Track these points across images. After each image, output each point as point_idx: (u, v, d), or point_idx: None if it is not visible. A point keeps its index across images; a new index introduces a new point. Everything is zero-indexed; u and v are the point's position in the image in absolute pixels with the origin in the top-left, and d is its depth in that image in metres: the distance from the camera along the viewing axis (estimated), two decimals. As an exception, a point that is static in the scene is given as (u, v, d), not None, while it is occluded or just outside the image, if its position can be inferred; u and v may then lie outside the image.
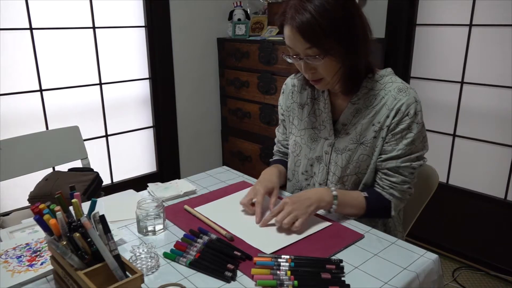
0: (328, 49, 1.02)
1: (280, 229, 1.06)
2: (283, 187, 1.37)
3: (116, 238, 0.97)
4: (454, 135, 2.28)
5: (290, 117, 1.33)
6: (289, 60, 1.11)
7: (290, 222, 1.02)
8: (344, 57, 1.05)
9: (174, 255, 0.93)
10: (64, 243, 0.77)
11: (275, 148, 1.46)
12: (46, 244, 0.98)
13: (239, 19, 2.62)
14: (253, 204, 1.14)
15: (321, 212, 1.15)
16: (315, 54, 1.03)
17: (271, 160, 1.46)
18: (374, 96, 1.14)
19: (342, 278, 0.86)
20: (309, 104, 1.26)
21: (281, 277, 0.85)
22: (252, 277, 0.86)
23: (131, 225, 1.10)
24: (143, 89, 2.57)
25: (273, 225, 1.08)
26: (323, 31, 0.99)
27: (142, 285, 0.82)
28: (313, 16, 0.98)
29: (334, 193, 1.09)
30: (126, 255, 0.91)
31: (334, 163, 1.19)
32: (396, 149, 1.11)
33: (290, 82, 1.34)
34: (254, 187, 1.18)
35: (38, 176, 1.79)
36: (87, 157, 1.88)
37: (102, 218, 0.79)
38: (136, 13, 2.44)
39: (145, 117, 2.62)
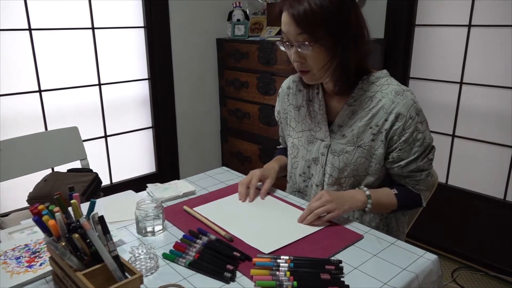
0: (318, 38, 1.04)
1: (279, 229, 1.06)
2: (281, 183, 1.37)
3: (115, 239, 0.97)
4: (453, 136, 2.28)
5: (287, 119, 1.33)
6: (282, 48, 1.14)
7: (319, 213, 1.06)
8: (334, 51, 1.07)
9: (173, 256, 0.93)
10: (63, 244, 0.77)
11: (280, 139, 1.51)
12: (45, 245, 0.98)
13: (238, 20, 2.62)
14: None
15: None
16: (304, 40, 1.05)
17: (278, 147, 1.53)
18: (370, 98, 1.14)
19: (342, 279, 0.86)
20: (304, 106, 1.27)
21: (280, 278, 0.85)
22: (251, 277, 0.86)
23: (130, 226, 1.10)
24: (143, 89, 2.57)
25: (272, 225, 1.08)
26: (316, 20, 1.02)
27: (141, 286, 0.82)
28: (309, 5, 1.02)
29: (367, 193, 1.12)
30: (125, 256, 0.91)
31: (331, 164, 1.19)
32: (412, 152, 1.13)
33: (286, 84, 1.35)
34: (252, 171, 1.27)
35: (37, 176, 1.78)
36: (86, 158, 1.88)
37: (101, 219, 0.79)
38: (135, 14, 2.44)
39: (144, 118, 2.62)
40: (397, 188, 1.18)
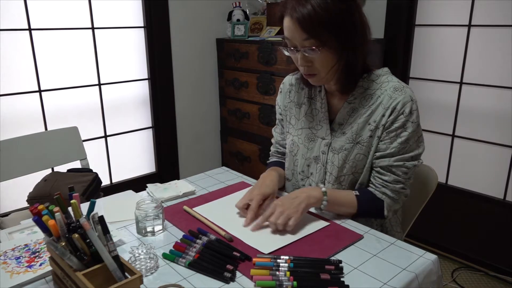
0: (325, 42, 1.03)
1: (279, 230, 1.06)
2: (281, 188, 1.37)
3: (115, 239, 0.97)
4: (453, 136, 2.28)
5: (288, 116, 1.33)
6: (286, 53, 1.12)
7: (283, 222, 1.03)
8: (341, 53, 1.06)
9: (173, 256, 0.93)
10: (63, 244, 0.77)
11: (273, 148, 1.44)
12: (45, 245, 0.98)
13: (238, 20, 2.62)
14: (247, 208, 1.13)
15: (314, 210, 1.15)
16: (312, 45, 1.04)
17: (268, 162, 1.44)
18: (370, 96, 1.14)
19: (341, 279, 0.86)
20: (306, 104, 1.27)
21: (280, 278, 0.85)
22: (251, 277, 0.86)
23: (130, 226, 1.10)
24: (142, 89, 2.57)
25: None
26: (322, 23, 1.01)
27: (141, 286, 0.82)
28: (313, 8, 1.00)
29: (323, 189, 1.10)
30: (125, 256, 0.91)
31: (331, 163, 1.19)
32: (390, 147, 1.11)
33: (288, 81, 1.34)
34: (252, 191, 1.16)
35: (37, 176, 1.78)
36: (86, 158, 1.88)
37: (101, 219, 0.79)
38: (135, 14, 2.43)
39: (144, 118, 2.62)
40: (359, 190, 1.16)
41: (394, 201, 1.15)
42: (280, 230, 1.05)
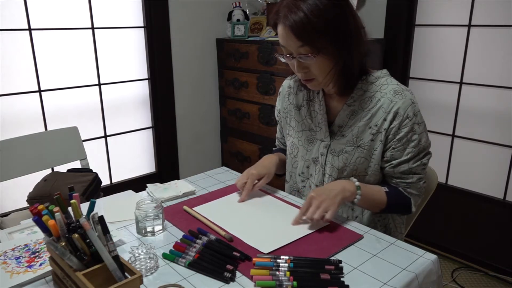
0: (321, 48, 1.02)
1: (279, 229, 1.06)
2: (281, 183, 1.37)
3: (115, 239, 0.97)
4: (453, 136, 2.28)
5: (287, 118, 1.33)
6: (282, 60, 1.12)
7: (320, 217, 1.02)
8: (337, 57, 1.06)
9: (173, 256, 0.93)
10: (63, 244, 0.77)
11: (276, 142, 1.49)
12: (45, 245, 0.98)
13: (238, 20, 2.62)
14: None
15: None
16: (307, 52, 1.03)
17: (274, 149, 1.49)
18: (369, 98, 1.14)
19: (341, 279, 0.86)
20: (305, 106, 1.27)
21: (280, 278, 0.85)
22: (251, 277, 0.86)
23: (130, 226, 1.10)
24: (142, 89, 2.57)
25: (272, 225, 1.08)
26: (316, 30, 1.00)
27: (141, 286, 0.82)
28: (306, 15, 0.99)
29: (357, 183, 1.10)
30: (125, 256, 0.91)
31: (330, 165, 1.19)
32: (405, 153, 1.12)
33: (287, 84, 1.34)
34: (249, 170, 1.23)
35: (37, 176, 1.79)
36: (86, 158, 1.88)
37: (101, 219, 0.79)
38: (135, 14, 2.44)
39: (144, 118, 2.62)
40: (388, 187, 1.16)
41: (419, 196, 1.18)
42: (283, 229, 1.05)
